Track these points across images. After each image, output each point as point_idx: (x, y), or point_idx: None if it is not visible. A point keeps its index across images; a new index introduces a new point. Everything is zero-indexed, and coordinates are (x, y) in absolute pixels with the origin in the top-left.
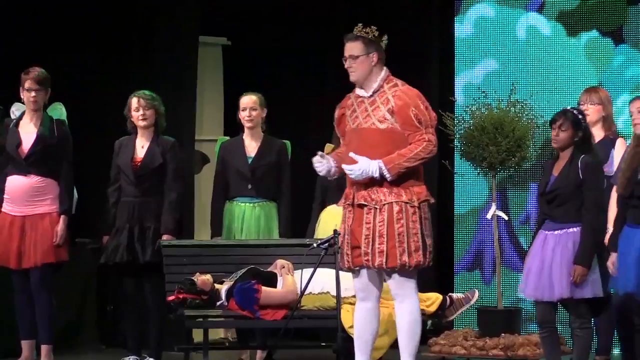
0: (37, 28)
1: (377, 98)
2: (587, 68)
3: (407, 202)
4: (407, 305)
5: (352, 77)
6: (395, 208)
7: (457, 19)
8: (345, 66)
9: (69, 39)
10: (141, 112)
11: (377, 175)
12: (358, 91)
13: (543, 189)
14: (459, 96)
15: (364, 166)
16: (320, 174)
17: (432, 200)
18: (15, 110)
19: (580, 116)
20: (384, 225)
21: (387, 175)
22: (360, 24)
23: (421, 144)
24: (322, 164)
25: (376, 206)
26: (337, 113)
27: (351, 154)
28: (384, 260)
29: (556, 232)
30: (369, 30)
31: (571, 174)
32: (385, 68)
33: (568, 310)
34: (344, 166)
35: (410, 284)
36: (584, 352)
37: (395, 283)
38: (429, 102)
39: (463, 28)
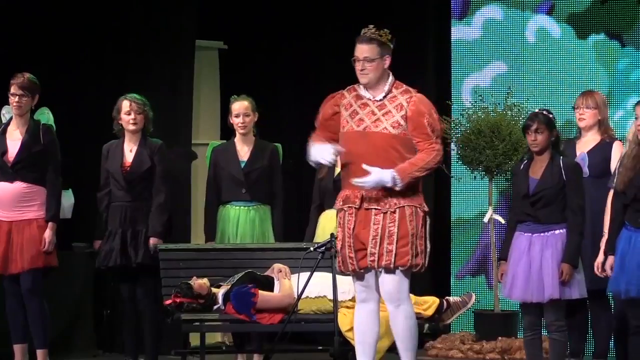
0: (33, 31)
1: (386, 102)
2: (593, 70)
3: (418, 206)
4: (404, 309)
5: (364, 80)
6: (408, 211)
7: (465, 22)
8: (358, 68)
9: (65, 43)
10: (132, 116)
11: (390, 184)
12: (361, 92)
13: (525, 191)
14: (467, 99)
15: (377, 177)
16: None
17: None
18: (5, 113)
19: (550, 116)
20: (395, 225)
21: (399, 185)
22: (371, 26)
23: (431, 153)
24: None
25: (389, 209)
26: (328, 106)
27: (364, 166)
28: (392, 259)
29: (542, 234)
30: (383, 33)
31: (555, 176)
32: (390, 72)
33: (547, 312)
34: (355, 181)
35: (406, 288)
36: (561, 355)
37: (393, 285)
38: None
39: (471, 30)
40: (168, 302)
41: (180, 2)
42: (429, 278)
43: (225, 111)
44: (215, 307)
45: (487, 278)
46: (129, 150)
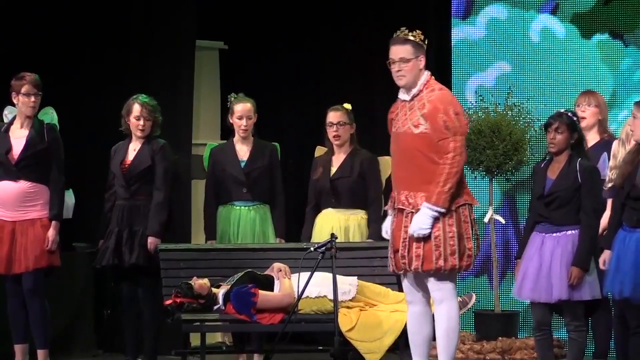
0: (33, 31)
1: (415, 102)
2: (598, 70)
3: None
4: (445, 308)
5: (401, 82)
6: None
7: (469, 21)
8: (394, 69)
9: (65, 43)
10: (142, 122)
11: (433, 214)
12: (401, 95)
13: (540, 191)
14: (471, 98)
15: (418, 222)
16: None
17: (476, 203)
18: (7, 113)
19: (574, 118)
20: None
21: (442, 210)
22: (404, 28)
23: (446, 159)
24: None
25: (413, 210)
26: (388, 119)
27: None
28: (420, 263)
29: (554, 234)
30: (416, 34)
31: (570, 177)
32: (427, 72)
33: (564, 312)
34: (409, 234)
35: (449, 287)
36: (578, 355)
37: (433, 286)
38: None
39: (475, 30)
40: (168, 302)
41: (180, 2)
42: None
43: (226, 111)
44: (216, 307)
45: (489, 278)
46: (133, 150)
